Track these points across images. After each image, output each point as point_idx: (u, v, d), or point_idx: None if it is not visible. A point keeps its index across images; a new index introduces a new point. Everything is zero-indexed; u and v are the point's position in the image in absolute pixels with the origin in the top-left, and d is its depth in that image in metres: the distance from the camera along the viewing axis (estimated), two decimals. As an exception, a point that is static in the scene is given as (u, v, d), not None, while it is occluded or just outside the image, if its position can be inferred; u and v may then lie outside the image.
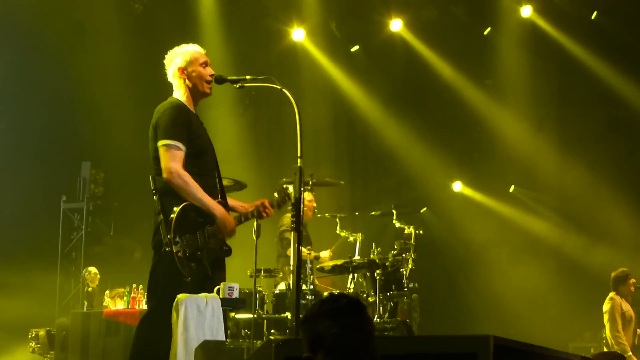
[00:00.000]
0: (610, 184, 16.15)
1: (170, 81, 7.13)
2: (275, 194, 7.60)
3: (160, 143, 6.72)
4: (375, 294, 10.27)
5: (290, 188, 6.99)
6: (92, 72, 14.50)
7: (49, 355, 12.05)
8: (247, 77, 7.09)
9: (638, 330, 13.01)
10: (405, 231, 11.09)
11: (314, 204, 11.33)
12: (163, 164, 6.66)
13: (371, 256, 10.50)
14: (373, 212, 11.90)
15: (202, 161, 6.90)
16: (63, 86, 14.60)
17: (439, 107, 17.34)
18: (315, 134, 15.72)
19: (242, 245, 11.01)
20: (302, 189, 6.75)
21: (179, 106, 6.92)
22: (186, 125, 6.82)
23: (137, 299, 10.98)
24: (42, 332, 12.18)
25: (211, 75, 7.09)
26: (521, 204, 17.70)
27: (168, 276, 6.56)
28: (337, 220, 11.35)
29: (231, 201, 7.34)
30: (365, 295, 10.46)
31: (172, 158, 6.65)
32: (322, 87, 16.38)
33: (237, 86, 7.08)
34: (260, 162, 15.11)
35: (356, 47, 16.78)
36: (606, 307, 12.81)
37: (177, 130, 6.74)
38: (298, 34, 15.73)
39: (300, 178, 6.65)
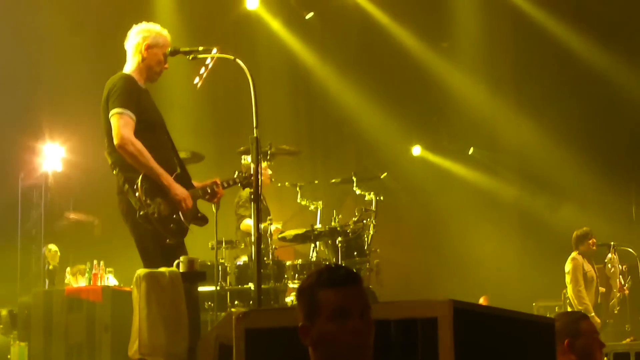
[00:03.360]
0: (569, 142, 16.23)
1: (127, 49, 7.09)
2: (236, 173, 7.60)
3: (112, 112, 6.69)
4: (337, 261, 10.26)
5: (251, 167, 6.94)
6: (49, 47, 14.35)
7: (12, 335, 11.97)
8: (200, 48, 7.07)
9: (601, 289, 13.12)
10: (366, 198, 11.06)
11: (269, 171, 11.28)
12: (115, 131, 6.62)
13: (332, 224, 10.48)
14: (333, 180, 11.87)
15: (155, 134, 6.89)
16: (18, 62, 14.42)
17: (396, 72, 17.31)
18: (273, 104, 15.63)
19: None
20: (259, 159, 6.73)
21: (129, 78, 6.91)
22: (136, 96, 6.81)
23: (98, 275, 10.89)
24: (4, 312, 12.10)
25: (161, 70, 7.11)
26: (481, 165, 17.77)
27: (150, 242, 6.60)
28: (298, 189, 11.30)
29: None
30: (327, 263, 10.44)
31: (123, 125, 6.63)
32: (279, 55, 16.31)
33: (190, 58, 7.06)
34: (217, 133, 15.04)
35: (311, 14, 16.69)
36: (568, 267, 12.88)
37: (128, 100, 6.73)
38: (252, 3, 15.56)
39: (257, 148, 6.64)
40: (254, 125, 6.61)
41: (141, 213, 6.47)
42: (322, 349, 3.47)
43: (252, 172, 7.37)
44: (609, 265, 12.75)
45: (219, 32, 15.34)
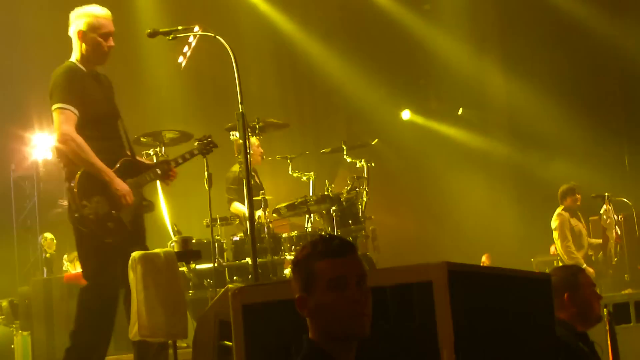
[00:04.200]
0: (559, 95, 16.22)
1: (71, 37, 7.00)
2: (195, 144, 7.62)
3: (53, 107, 6.64)
4: (333, 230, 10.27)
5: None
6: (35, 36, 14.29)
7: (14, 325, 12.00)
8: (179, 27, 7.02)
9: (595, 240, 13.18)
10: (357, 165, 11.07)
11: (261, 150, 11.26)
12: (55, 127, 6.60)
13: (325, 193, 10.48)
14: (323, 150, 11.86)
15: (101, 125, 6.82)
16: (5, 52, 14.37)
17: (381, 37, 17.27)
18: (259, 78, 15.59)
19: (196, 196, 11.02)
20: (247, 134, 6.73)
21: (72, 69, 6.83)
22: (79, 89, 6.71)
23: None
24: (4, 303, 12.11)
25: (109, 47, 6.99)
26: (471, 125, 17.75)
27: (88, 241, 6.57)
28: (289, 161, 11.28)
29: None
30: (323, 233, 10.45)
31: (64, 120, 6.56)
32: (261, 29, 16.25)
33: (170, 38, 7.01)
34: (205, 111, 15.00)
35: (292, -15, 16.63)
36: (554, 223, 12.98)
37: (69, 94, 6.64)
38: (230, -24, 15.51)
39: (243, 124, 6.63)
40: (239, 101, 6.60)
41: (76, 215, 6.46)
42: (321, 319, 3.48)
43: (207, 140, 7.40)
44: (605, 217, 12.78)
45: (199, 9, 15.27)
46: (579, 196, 13.02)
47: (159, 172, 7.13)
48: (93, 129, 6.68)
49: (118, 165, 6.77)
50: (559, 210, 13.01)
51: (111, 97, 7.09)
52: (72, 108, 6.59)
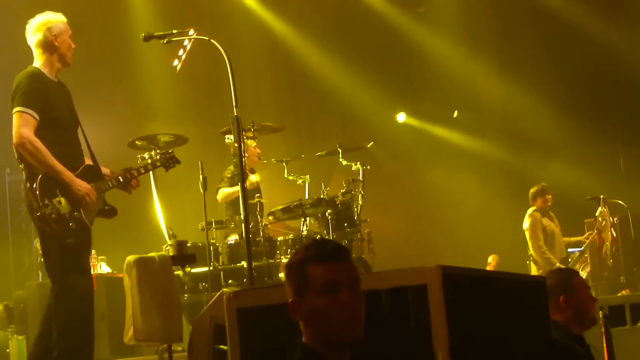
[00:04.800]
0: (554, 98, 16.23)
1: (31, 45, 7.05)
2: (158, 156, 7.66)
3: (14, 110, 6.69)
4: (328, 233, 10.28)
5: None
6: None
7: (9, 329, 11.98)
8: (174, 31, 7.05)
9: (568, 238, 13.30)
10: (353, 168, 11.08)
11: (258, 150, 11.27)
12: (14, 130, 6.63)
13: (321, 197, 10.49)
14: (319, 153, 11.87)
15: (61, 130, 6.88)
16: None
17: (376, 41, 17.27)
18: (254, 81, 15.59)
19: (191, 200, 11.03)
20: (242, 137, 6.74)
21: (36, 74, 6.89)
22: (42, 94, 6.78)
23: (91, 264, 10.90)
24: (0, 307, 12.10)
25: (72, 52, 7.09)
26: (467, 128, 17.75)
27: (51, 241, 6.64)
28: (284, 164, 11.30)
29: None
30: (319, 236, 10.46)
31: (23, 124, 6.61)
32: (257, 32, 16.23)
33: (165, 42, 7.04)
34: (200, 114, 15.00)
35: (286, -12, 16.63)
36: (526, 224, 13.12)
37: (31, 98, 6.70)
38: (226, -20, 15.50)
39: (238, 127, 6.64)
40: (234, 104, 6.61)
41: (38, 214, 6.48)
42: (314, 323, 3.49)
43: (169, 155, 7.47)
44: (600, 219, 12.80)
45: (194, 13, 15.28)
46: (549, 196, 13.17)
47: (121, 179, 7.19)
48: (54, 134, 6.76)
49: (79, 171, 6.85)
50: (530, 211, 13.17)
51: (72, 105, 7.15)
52: (32, 112, 6.65)
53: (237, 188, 10.73)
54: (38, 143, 6.57)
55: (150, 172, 8.21)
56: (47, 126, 6.71)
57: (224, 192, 10.93)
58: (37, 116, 6.65)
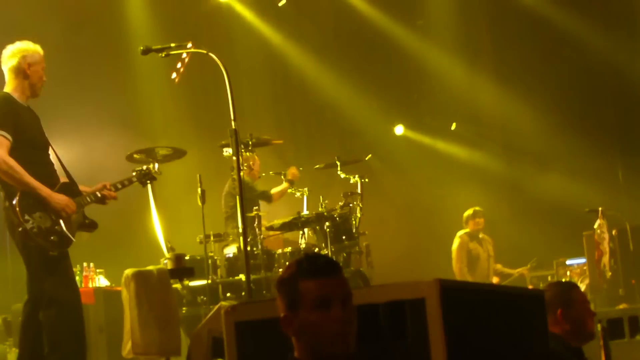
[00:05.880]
0: (552, 110, 16.24)
1: (4, 70, 7.23)
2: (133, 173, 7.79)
3: None
4: (326, 246, 10.27)
5: (156, 166, 7.19)
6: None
7: (7, 342, 11.96)
8: (172, 44, 7.10)
9: (497, 266, 13.58)
10: (351, 181, 11.09)
11: (259, 162, 11.31)
12: None
13: (319, 209, 10.48)
14: (317, 166, 11.87)
15: (35, 151, 7.07)
16: None
17: (374, 53, 17.27)
18: (252, 94, 15.59)
19: (189, 213, 11.01)
20: (240, 150, 6.75)
21: (7, 98, 7.07)
22: (13, 117, 6.94)
23: (89, 277, 10.91)
24: (-2, 320, 12.09)
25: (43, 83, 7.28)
26: (465, 140, 17.74)
27: (34, 256, 6.77)
28: (282, 177, 11.32)
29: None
30: (317, 249, 10.46)
31: None
32: (255, 45, 16.24)
33: (163, 55, 7.08)
34: (199, 127, 14.97)
35: (283, 1, 16.61)
36: (454, 245, 13.72)
37: (3, 120, 6.86)
38: (222, -7, 15.49)
39: (236, 140, 6.65)
40: (232, 117, 6.63)
41: (19, 230, 6.62)
42: (306, 338, 3.51)
43: (153, 170, 7.59)
44: (599, 231, 12.79)
45: (192, 26, 15.28)
46: (479, 220, 13.94)
47: (99, 195, 7.35)
48: (29, 154, 6.94)
49: (57, 188, 6.98)
50: (459, 233, 13.76)
51: (41, 128, 7.32)
52: (5, 133, 6.81)
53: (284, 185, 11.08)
54: (12, 162, 6.72)
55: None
56: (21, 147, 6.88)
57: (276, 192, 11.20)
58: (9, 137, 6.80)
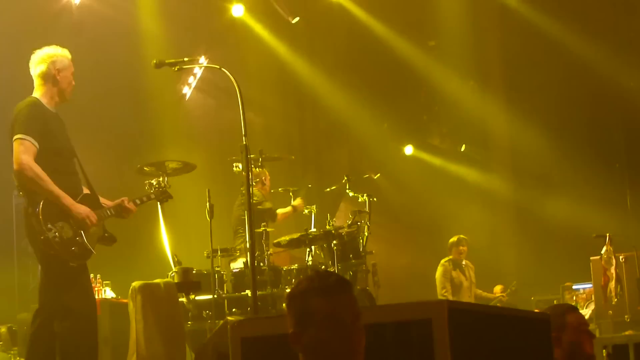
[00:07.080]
0: (561, 134, 16.27)
1: (33, 76, 7.18)
2: (152, 189, 7.82)
3: (15, 137, 6.78)
4: (333, 264, 10.26)
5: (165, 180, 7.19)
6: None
7: (12, 351, 11.95)
8: (185, 59, 7.12)
9: (477, 291, 13.68)
10: (359, 199, 11.09)
11: (269, 177, 11.35)
12: (15, 157, 6.73)
13: (327, 227, 10.48)
14: (327, 189, 11.91)
15: (61, 159, 7.01)
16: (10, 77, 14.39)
17: (385, 73, 17.32)
18: (263, 110, 15.64)
19: (197, 227, 11.03)
20: (250, 166, 6.77)
21: (36, 104, 7.01)
22: (41, 123, 6.89)
23: (96, 288, 10.91)
24: (3, 329, 12.07)
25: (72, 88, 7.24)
26: (474, 162, 17.77)
27: (54, 266, 6.73)
28: (291, 194, 11.33)
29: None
30: (323, 267, 10.44)
31: (23, 151, 6.70)
32: (267, 61, 16.28)
33: (176, 69, 7.10)
34: (209, 142, 15.02)
35: (297, 19, 16.67)
36: (437, 273, 13.85)
37: (31, 126, 6.80)
38: (237, 10, 15.52)
39: (246, 156, 6.67)
40: (243, 133, 6.64)
41: (42, 237, 6.57)
42: (313, 355, 3.49)
43: (163, 186, 7.63)
44: (606, 257, 12.77)
45: (206, 41, 15.32)
46: (463, 248, 13.91)
47: (118, 208, 7.31)
48: (55, 163, 6.88)
49: (79, 199, 6.94)
50: (443, 260, 13.87)
51: (68, 136, 7.26)
52: (32, 140, 6.75)
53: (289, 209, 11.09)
54: (38, 169, 6.65)
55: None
56: (48, 155, 6.82)
57: (281, 212, 11.19)
58: (36, 144, 6.75)
